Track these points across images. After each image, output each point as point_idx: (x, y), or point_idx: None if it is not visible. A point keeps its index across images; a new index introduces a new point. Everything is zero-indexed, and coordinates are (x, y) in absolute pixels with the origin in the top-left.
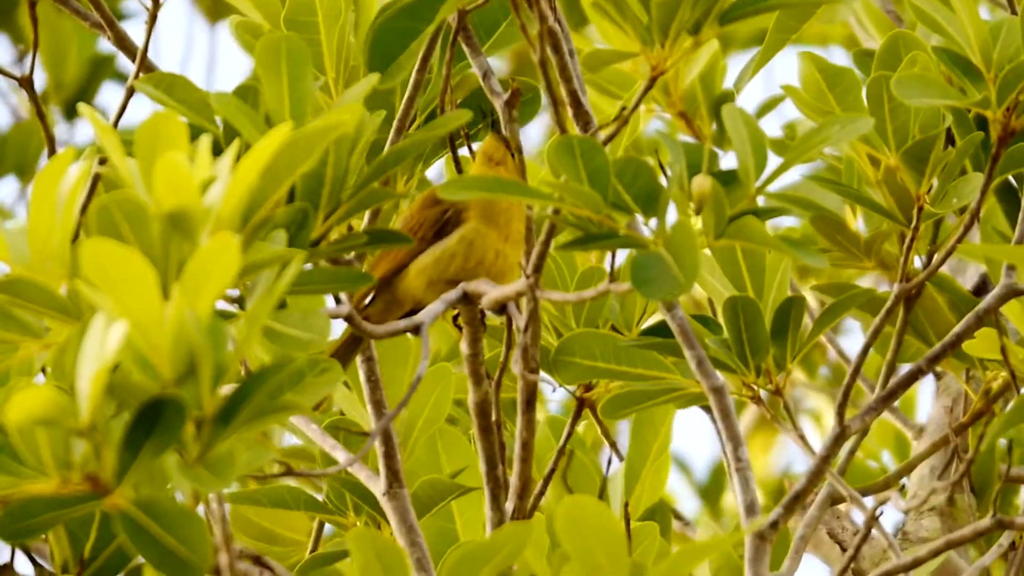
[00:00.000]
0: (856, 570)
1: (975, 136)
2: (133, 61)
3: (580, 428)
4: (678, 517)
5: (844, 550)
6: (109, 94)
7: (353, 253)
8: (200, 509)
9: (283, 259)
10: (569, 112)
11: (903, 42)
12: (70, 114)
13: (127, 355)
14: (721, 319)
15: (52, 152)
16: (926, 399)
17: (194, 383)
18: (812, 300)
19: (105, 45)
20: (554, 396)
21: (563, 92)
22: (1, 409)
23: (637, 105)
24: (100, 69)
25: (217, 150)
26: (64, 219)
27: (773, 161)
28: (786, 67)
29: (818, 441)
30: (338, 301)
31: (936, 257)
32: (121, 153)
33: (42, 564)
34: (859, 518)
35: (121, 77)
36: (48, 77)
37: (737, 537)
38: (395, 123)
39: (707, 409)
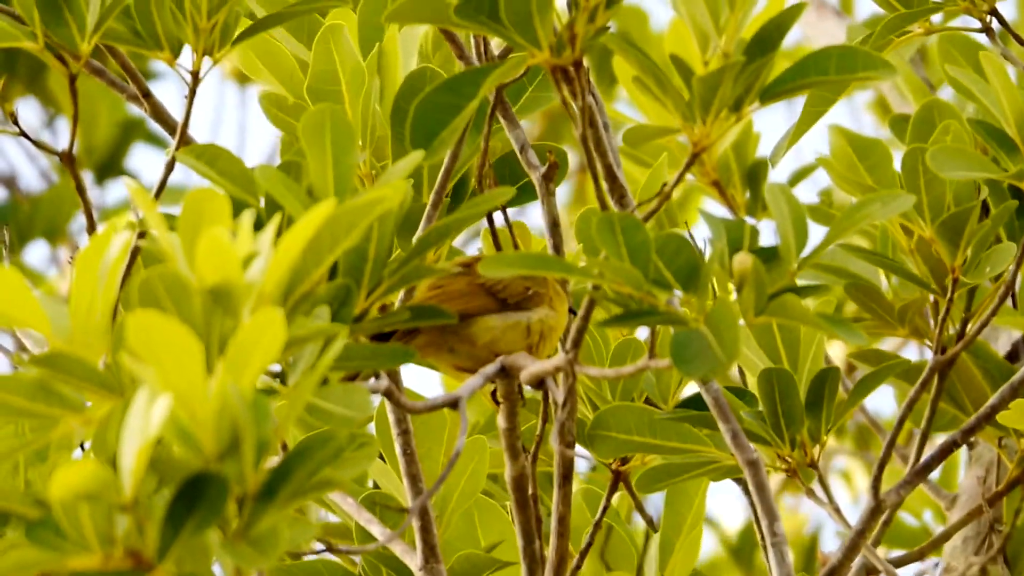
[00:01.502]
0: None
1: (1009, 205)
2: (167, 130)
3: (614, 500)
4: None
5: None
6: (140, 158)
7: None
8: None
9: (325, 334)
10: (605, 186)
11: (938, 111)
12: (101, 177)
13: (170, 429)
14: (756, 391)
15: (91, 226)
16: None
17: (237, 459)
18: (842, 363)
19: (135, 108)
20: (585, 468)
21: (599, 166)
22: (44, 484)
23: (678, 182)
24: (130, 132)
25: (258, 223)
26: (106, 293)
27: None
28: (817, 131)
29: (846, 501)
30: (377, 376)
31: (971, 327)
32: (164, 227)
33: None
34: None
35: (152, 140)
36: (79, 141)
37: None
38: (432, 196)
39: (740, 480)
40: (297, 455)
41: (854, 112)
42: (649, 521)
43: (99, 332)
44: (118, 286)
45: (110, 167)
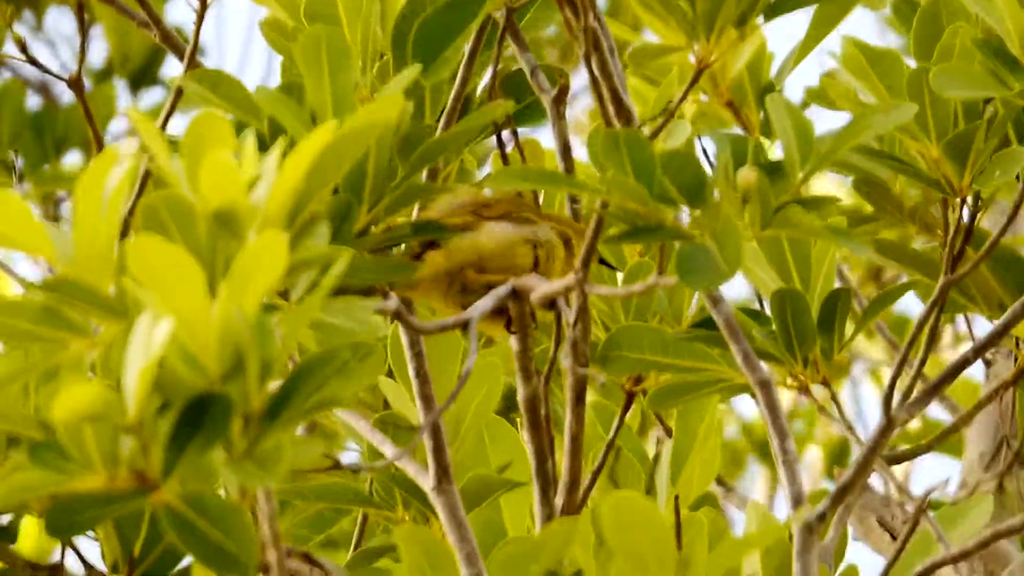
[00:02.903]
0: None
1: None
2: (177, 56)
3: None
4: (721, 483)
5: (894, 538)
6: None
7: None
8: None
9: (330, 256)
10: (611, 109)
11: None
12: (135, 87)
13: (174, 352)
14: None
15: (99, 147)
16: None
17: (241, 379)
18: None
19: (171, 16)
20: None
21: (604, 89)
22: (48, 405)
23: (683, 99)
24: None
25: (263, 146)
26: (109, 218)
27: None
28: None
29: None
30: (385, 296)
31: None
32: (167, 153)
33: (92, 563)
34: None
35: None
36: (112, 50)
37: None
38: (443, 118)
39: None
40: (302, 373)
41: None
42: (669, 433)
43: (103, 257)
44: (123, 211)
45: (144, 76)
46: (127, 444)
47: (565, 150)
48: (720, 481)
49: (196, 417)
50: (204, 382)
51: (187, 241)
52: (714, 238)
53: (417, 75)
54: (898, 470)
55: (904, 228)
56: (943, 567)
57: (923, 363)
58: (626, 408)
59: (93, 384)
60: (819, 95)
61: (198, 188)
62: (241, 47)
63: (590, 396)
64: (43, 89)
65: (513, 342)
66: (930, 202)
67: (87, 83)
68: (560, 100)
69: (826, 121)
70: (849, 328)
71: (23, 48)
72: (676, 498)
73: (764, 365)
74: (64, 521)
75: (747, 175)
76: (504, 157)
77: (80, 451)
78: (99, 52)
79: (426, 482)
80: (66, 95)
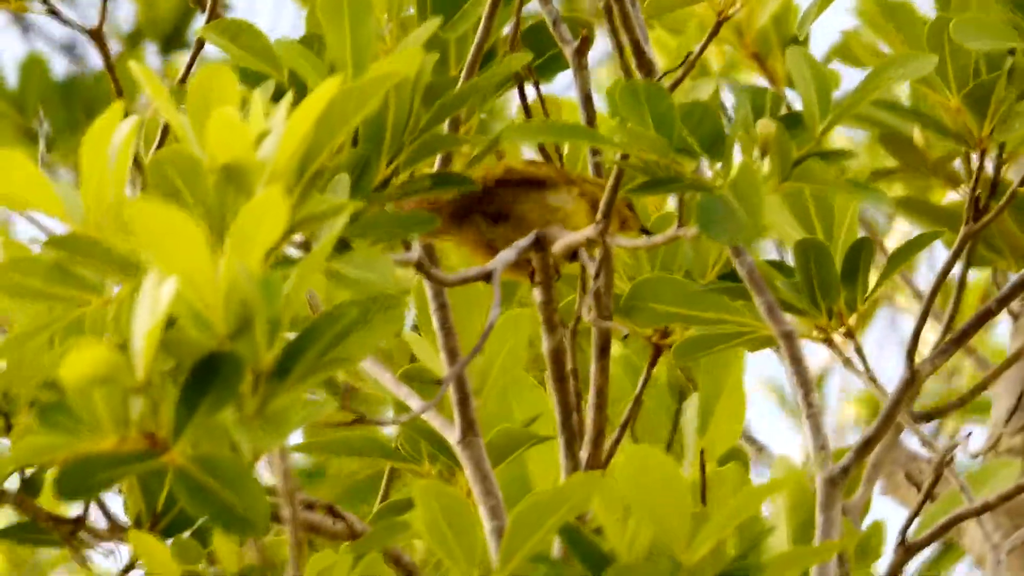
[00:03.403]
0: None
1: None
2: (199, 8)
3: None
4: (751, 441)
5: (916, 486)
6: None
7: None
8: (265, 461)
9: (340, 209)
10: (632, 62)
11: None
12: (165, 49)
13: (181, 312)
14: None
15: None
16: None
17: (250, 337)
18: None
19: None
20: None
21: (625, 40)
22: (58, 367)
23: (702, 51)
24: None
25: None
26: (117, 174)
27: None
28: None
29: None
30: (407, 248)
31: (1003, 201)
32: (173, 108)
33: (115, 517)
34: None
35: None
36: (140, 12)
37: (800, 478)
38: (464, 70)
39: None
40: (312, 330)
41: None
42: (691, 383)
43: (112, 214)
44: (130, 166)
45: (174, 39)
46: (137, 405)
47: (587, 101)
48: (751, 440)
49: (205, 377)
50: (212, 341)
51: (195, 197)
52: (734, 190)
53: (436, 28)
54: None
55: (927, 181)
56: (966, 520)
57: (952, 317)
58: (653, 361)
59: (101, 346)
60: (842, 51)
61: (205, 144)
62: (273, 7)
63: (617, 350)
64: (71, 54)
65: (536, 293)
66: (954, 156)
67: (117, 46)
68: (582, 51)
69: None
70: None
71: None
72: (702, 453)
73: (788, 317)
74: (76, 483)
75: (766, 127)
76: (526, 109)
77: (90, 413)
78: (129, 15)
79: (452, 435)
80: (95, 60)
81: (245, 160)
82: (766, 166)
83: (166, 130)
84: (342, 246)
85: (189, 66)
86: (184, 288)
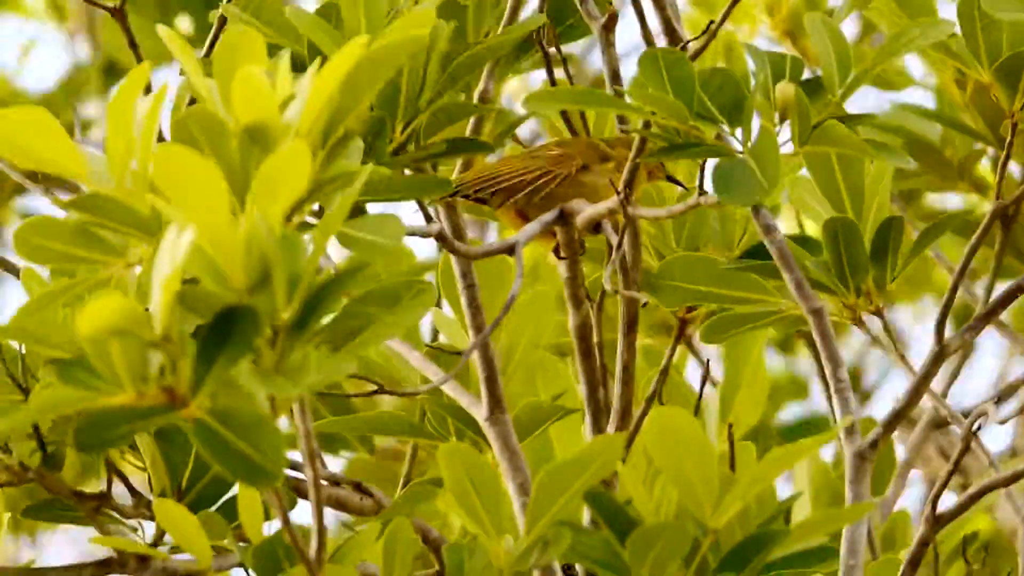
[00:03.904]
0: (964, 485)
1: None
2: None
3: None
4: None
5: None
6: None
7: None
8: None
9: (357, 173)
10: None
11: None
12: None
13: (200, 266)
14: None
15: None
16: None
17: (268, 292)
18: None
19: None
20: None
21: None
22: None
23: (724, 19)
24: None
25: (301, 70)
26: (144, 136)
27: None
28: None
29: None
30: (428, 219)
31: None
32: (199, 71)
33: (140, 492)
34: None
35: None
36: None
37: (826, 440)
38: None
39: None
40: (329, 284)
41: None
42: (706, 366)
43: (137, 176)
44: (156, 129)
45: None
46: (156, 360)
47: (615, 77)
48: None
49: (223, 331)
50: (231, 295)
51: (218, 157)
52: (752, 154)
53: None
54: None
55: (954, 186)
56: (994, 491)
57: (989, 291)
58: (679, 337)
59: (117, 297)
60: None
61: (230, 104)
62: None
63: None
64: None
65: (562, 269)
66: (978, 157)
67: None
68: (609, 27)
69: None
70: None
71: None
72: (730, 427)
73: (816, 295)
74: (93, 437)
75: (785, 90)
76: (551, 76)
77: (108, 367)
78: None
79: (479, 413)
80: None
81: (270, 120)
82: (786, 130)
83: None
84: (355, 211)
85: (212, 41)
86: (203, 241)
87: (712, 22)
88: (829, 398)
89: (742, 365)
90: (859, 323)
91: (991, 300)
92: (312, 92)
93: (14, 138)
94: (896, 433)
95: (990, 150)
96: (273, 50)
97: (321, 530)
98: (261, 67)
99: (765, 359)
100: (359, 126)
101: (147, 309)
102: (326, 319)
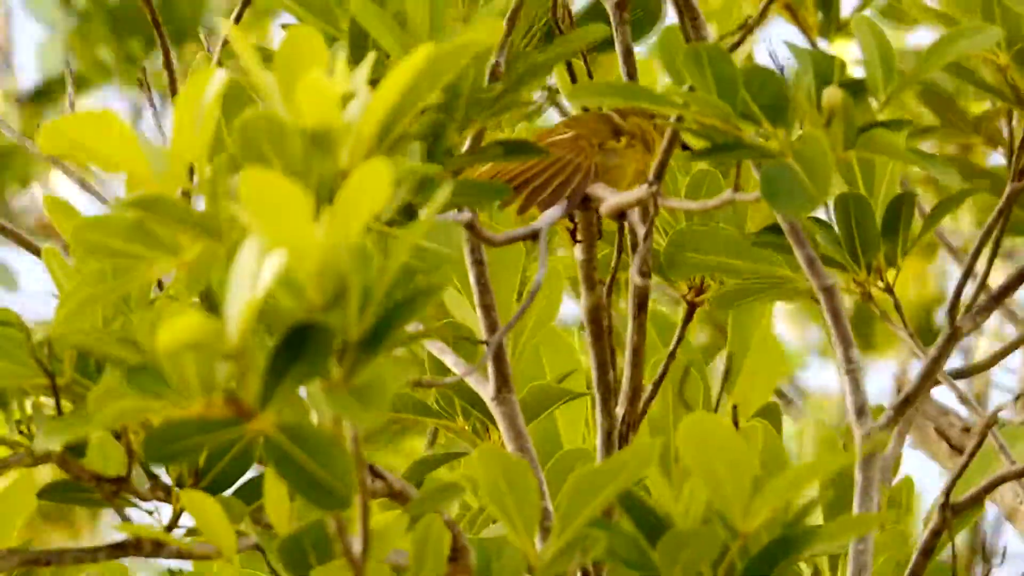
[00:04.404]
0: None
1: None
2: None
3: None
4: (780, 395)
5: (951, 446)
6: None
7: None
8: None
9: (421, 174)
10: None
11: None
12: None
13: (276, 280)
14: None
15: (170, 74)
16: None
17: (342, 308)
18: None
19: None
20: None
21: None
22: (145, 329)
23: (763, 16)
24: None
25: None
26: (203, 135)
27: None
28: None
29: None
30: (460, 208)
31: None
32: (261, 69)
33: (158, 475)
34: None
35: None
36: None
37: (851, 460)
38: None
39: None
40: (402, 305)
41: None
42: (728, 342)
43: (201, 176)
44: (215, 128)
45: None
46: (224, 372)
47: (627, 56)
48: (780, 393)
49: (295, 346)
50: (305, 312)
51: (282, 161)
52: (799, 159)
53: None
54: None
55: (968, 139)
56: (1006, 482)
57: (986, 275)
58: (688, 318)
59: (196, 313)
60: (890, 10)
61: (293, 106)
62: None
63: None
64: None
65: (578, 251)
66: (997, 115)
67: None
68: (623, 6)
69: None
70: None
71: None
72: (734, 408)
73: (828, 272)
74: (163, 450)
75: (834, 95)
76: (570, 69)
77: (179, 377)
78: None
79: (486, 391)
80: None
81: (333, 124)
82: (828, 133)
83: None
84: (410, 214)
85: (239, 15)
86: (289, 260)
87: (750, 17)
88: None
89: (746, 340)
90: (869, 299)
91: (1002, 283)
92: (378, 95)
93: (83, 140)
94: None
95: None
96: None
97: (367, 527)
98: (323, 67)
99: (773, 332)
100: (418, 128)
101: (209, 309)
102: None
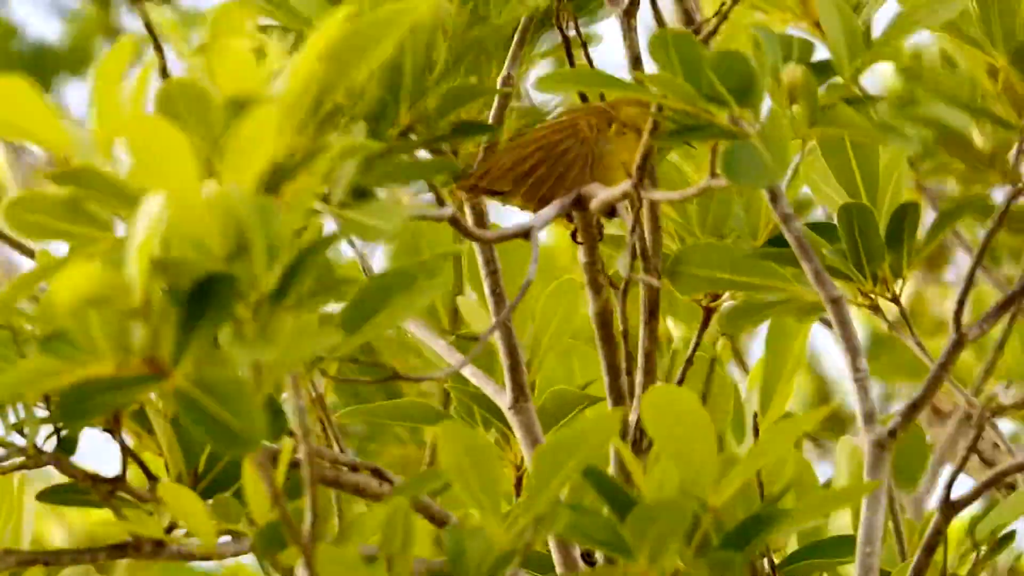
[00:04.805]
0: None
1: None
2: None
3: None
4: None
5: (983, 460)
6: None
7: None
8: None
9: (349, 149)
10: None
11: None
12: None
13: (178, 234)
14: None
15: (157, 47)
16: None
17: (247, 260)
18: None
19: None
20: None
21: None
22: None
23: (736, 2)
24: None
25: None
26: (133, 107)
27: None
28: None
29: None
30: (441, 203)
31: None
32: (186, 43)
33: (156, 476)
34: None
35: None
36: None
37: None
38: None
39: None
40: (309, 251)
41: None
42: (739, 357)
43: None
44: (144, 101)
45: None
46: (136, 330)
47: (635, 62)
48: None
49: (203, 299)
50: (209, 263)
51: (202, 128)
52: (761, 137)
53: None
54: None
55: (985, 178)
56: (1009, 476)
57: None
58: (704, 325)
59: (93, 266)
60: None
61: (215, 76)
62: None
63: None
64: None
65: (580, 255)
66: (1008, 146)
67: None
68: (631, 12)
69: None
70: None
71: None
72: (755, 416)
73: (834, 283)
74: (76, 409)
75: (793, 72)
76: (569, 55)
77: (87, 338)
78: None
79: (504, 401)
80: None
81: (254, 93)
82: (797, 112)
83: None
84: (361, 195)
85: None
86: (178, 209)
87: (724, 3)
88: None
89: (784, 356)
90: (876, 310)
91: (1012, 289)
92: (293, 64)
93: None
94: (927, 427)
95: None
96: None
97: (315, 508)
98: (248, 40)
99: (805, 350)
100: (362, 108)
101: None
102: (332, 301)
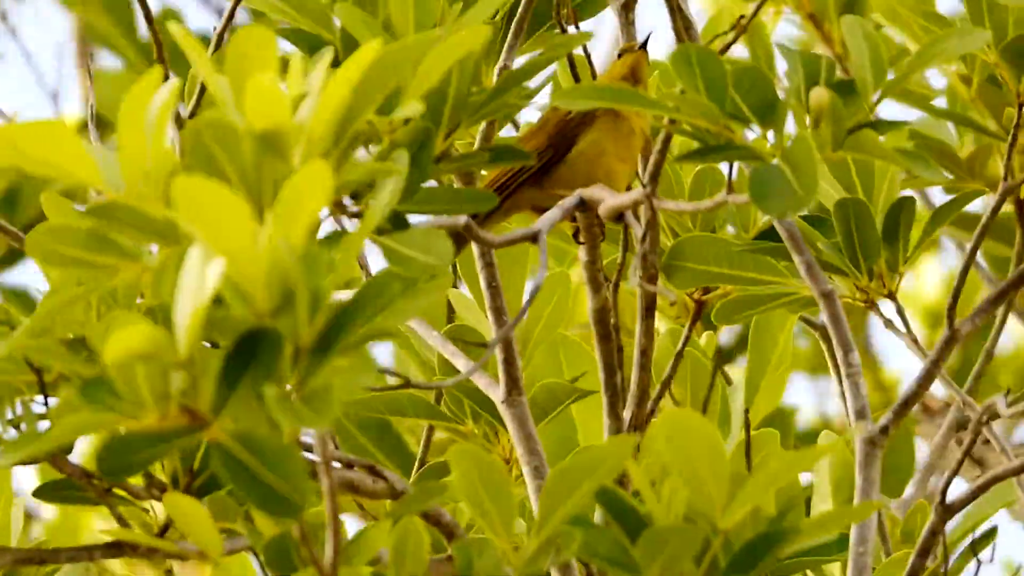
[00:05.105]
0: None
1: None
2: None
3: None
4: None
5: (975, 460)
6: None
7: None
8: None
9: (382, 173)
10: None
11: None
12: None
13: (223, 287)
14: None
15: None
16: None
17: (291, 313)
18: None
19: None
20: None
21: None
22: (100, 344)
23: (755, 14)
24: None
25: (337, 62)
26: (155, 141)
27: None
28: None
29: None
30: None
31: None
32: (212, 73)
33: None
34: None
35: None
36: None
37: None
38: (514, 26)
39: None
40: (354, 305)
41: None
42: (720, 355)
43: (152, 181)
44: (169, 132)
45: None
46: (177, 381)
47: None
48: None
49: (247, 353)
50: (254, 318)
51: (233, 165)
52: (787, 160)
53: (499, 3)
54: None
55: (963, 183)
56: (1004, 480)
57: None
58: (694, 319)
59: (144, 323)
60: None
61: (243, 110)
62: None
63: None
64: None
65: (581, 254)
66: (987, 152)
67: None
68: (629, 8)
69: None
70: None
71: None
72: (746, 412)
73: (827, 277)
74: (118, 462)
75: (820, 95)
76: (572, 67)
77: (131, 389)
78: None
79: (496, 394)
80: None
81: (283, 126)
82: (816, 134)
83: (203, 90)
84: (399, 222)
85: (229, 19)
86: (228, 264)
87: (743, 16)
88: (841, 383)
89: (769, 351)
90: (872, 306)
91: (1003, 283)
92: (325, 94)
93: (30, 148)
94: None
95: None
96: (300, 37)
97: (336, 534)
98: (273, 67)
99: (790, 346)
100: (402, 136)
101: (162, 315)
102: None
